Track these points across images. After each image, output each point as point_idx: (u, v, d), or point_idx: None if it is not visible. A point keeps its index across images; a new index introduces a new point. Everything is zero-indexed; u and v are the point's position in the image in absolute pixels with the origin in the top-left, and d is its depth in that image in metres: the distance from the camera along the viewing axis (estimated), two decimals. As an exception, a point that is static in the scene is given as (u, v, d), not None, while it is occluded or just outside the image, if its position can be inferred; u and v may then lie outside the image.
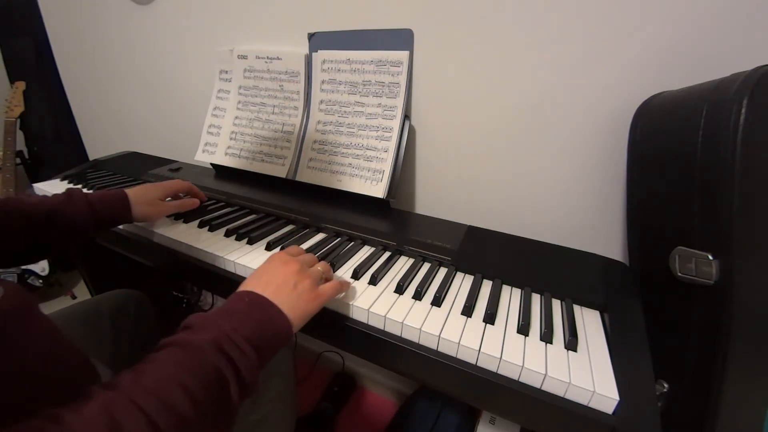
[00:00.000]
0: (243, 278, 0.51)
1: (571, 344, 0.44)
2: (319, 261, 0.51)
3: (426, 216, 0.74)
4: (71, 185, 0.87)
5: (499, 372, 0.42)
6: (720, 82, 0.42)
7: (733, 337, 0.38)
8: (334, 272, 0.54)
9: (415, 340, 0.46)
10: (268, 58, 0.83)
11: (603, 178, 0.63)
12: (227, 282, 0.58)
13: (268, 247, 0.61)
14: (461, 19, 0.64)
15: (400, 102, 0.71)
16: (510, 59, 0.63)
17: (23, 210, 0.51)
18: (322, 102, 0.78)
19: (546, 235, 0.67)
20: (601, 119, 0.60)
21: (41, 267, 1.42)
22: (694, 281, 0.42)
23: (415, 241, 0.63)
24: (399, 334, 0.47)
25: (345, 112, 0.76)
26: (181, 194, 0.72)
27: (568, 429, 0.40)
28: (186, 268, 0.64)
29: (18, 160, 1.52)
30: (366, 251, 0.63)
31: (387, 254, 0.62)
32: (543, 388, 0.40)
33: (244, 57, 0.85)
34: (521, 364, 0.41)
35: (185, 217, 0.70)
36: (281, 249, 0.59)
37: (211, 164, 0.93)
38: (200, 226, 0.68)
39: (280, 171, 0.81)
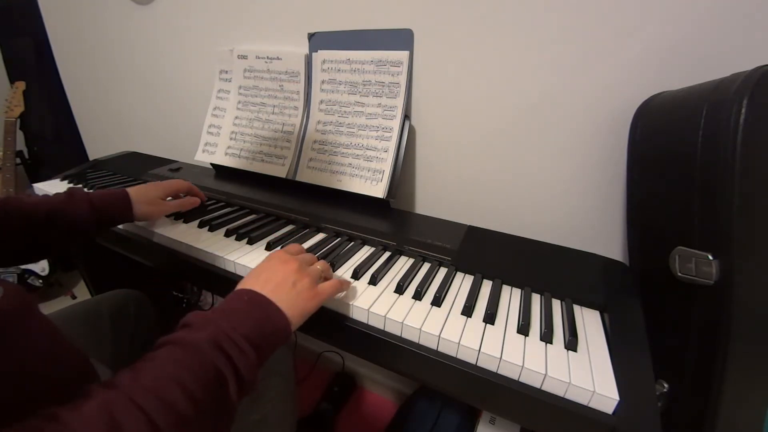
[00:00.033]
0: (243, 278, 0.51)
1: (571, 344, 0.44)
2: (319, 260, 0.51)
3: (426, 216, 0.74)
4: (71, 185, 0.87)
5: (499, 372, 0.42)
6: (720, 82, 0.42)
7: (733, 337, 0.38)
8: (333, 272, 0.54)
9: (415, 340, 0.46)
10: (268, 58, 0.83)
11: (603, 178, 0.63)
12: (227, 282, 0.58)
13: (268, 247, 0.61)
14: (461, 19, 0.64)
15: (400, 102, 0.71)
16: (510, 59, 0.63)
17: (23, 209, 0.51)
18: (322, 102, 0.78)
19: (546, 235, 0.67)
20: (601, 119, 0.60)
21: (41, 267, 1.42)
22: (694, 281, 0.42)
23: (415, 241, 0.63)
24: (399, 334, 0.47)
25: (345, 112, 0.76)
26: (181, 194, 0.72)
27: (568, 429, 0.40)
28: (186, 268, 0.64)
29: (18, 160, 1.52)
30: (366, 251, 0.63)
31: (387, 254, 0.62)
32: (543, 388, 0.40)
33: (244, 57, 0.85)
34: (521, 364, 0.41)
35: (185, 217, 0.70)
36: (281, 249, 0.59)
37: (211, 164, 0.93)
38: (200, 226, 0.68)
39: (280, 171, 0.81)
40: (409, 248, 0.62)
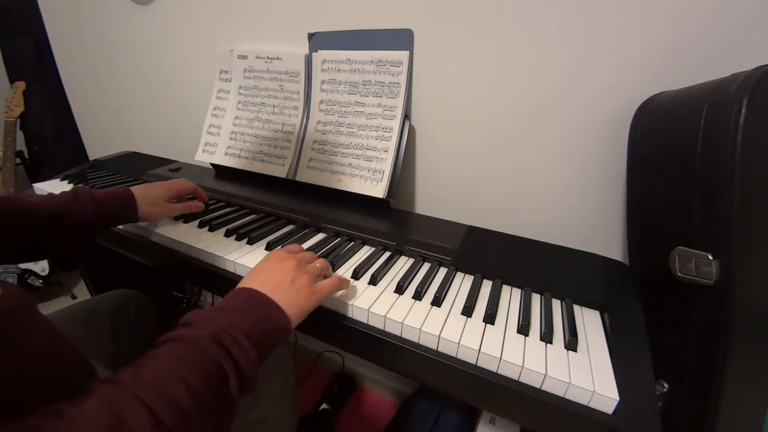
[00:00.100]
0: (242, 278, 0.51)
1: (571, 344, 0.44)
2: (318, 258, 0.51)
3: (426, 216, 0.74)
4: (72, 185, 0.87)
5: (499, 372, 0.42)
6: (720, 82, 0.42)
7: (733, 337, 0.38)
8: (333, 272, 0.54)
9: (415, 340, 0.46)
10: (268, 58, 0.83)
11: (603, 178, 0.63)
12: (227, 282, 0.58)
13: (268, 247, 0.61)
14: (461, 19, 0.64)
15: (400, 102, 0.71)
16: (510, 59, 0.63)
17: (23, 209, 0.51)
18: (322, 102, 0.78)
19: (546, 235, 0.67)
20: (601, 119, 0.60)
21: (41, 267, 1.42)
22: (694, 281, 0.42)
23: (415, 241, 0.63)
24: (399, 334, 0.47)
25: (345, 112, 0.76)
26: (185, 195, 0.72)
27: (568, 429, 0.40)
28: (186, 268, 0.64)
29: (18, 160, 1.52)
30: (366, 251, 0.63)
31: (387, 254, 0.62)
32: (543, 388, 0.40)
33: (244, 57, 0.85)
34: (521, 364, 0.41)
35: (185, 217, 0.70)
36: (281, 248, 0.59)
37: (211, 164, 0.93)
38: (200, 226, 0.68)
39: (280, 171, 0.81)
40: (409, 248, 0.62)
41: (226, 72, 0.90)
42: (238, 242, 0.63)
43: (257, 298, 0.40)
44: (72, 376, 0.38)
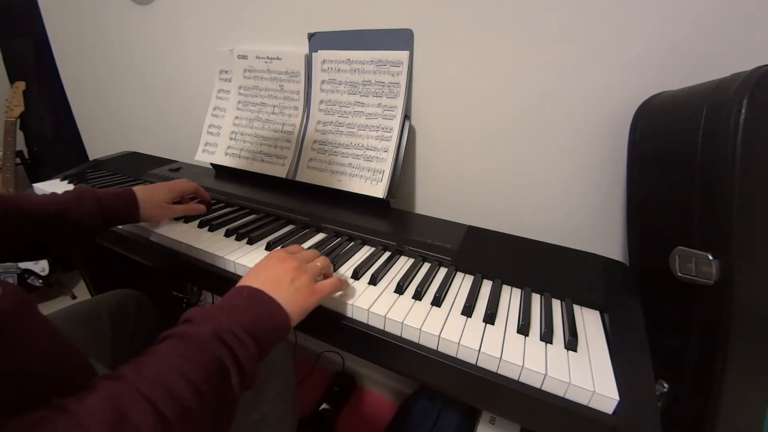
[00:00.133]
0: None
1: (571, 344, 0.44)
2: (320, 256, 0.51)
3: (426, 216, 0.74)
4: (72, 185, 0.87)
5: (499, 372, 0.42)
6: (720, 82, 0.42)
7: (733, 337, 0.38)
8: (334, 272, 0.54)
9: (415, 340, 0.46)
10: (268, 58, 0.83)
11: (603, 178, 0.63)
12: (227, 282, 0.58)
13: (268, 247, 0.61)
14: (461, 19, 0.64)
15: (400, 102, 0.71)
16: (510, 59, 0.63)
17: (23, 209, 0.51)
18: (322, 102, 0.78)
19: (546, 235, 0.67)
20: (601, 119, 0.60)
21: (41, 267, 1.42)
22: (694, 281, 0.42)
23: (415, 241, 0.63)
24: (399, 334, 0.47)
25: (345, 112, 0.76)
26: (188, 195, 0.72)
27: (568, 429, 0.40)
28: (186, 268, 0.64)
29: (18, 160, 1.52)
30: (366, 251, 0.63)
31: (387, 254, 0.62)
32: (543, 388, 0.40)
33: (244, 57, 0.85)
34: (521, 364, 0.41)
35: (186, 217, 0.70)
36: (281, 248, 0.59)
37: (211, 164, 0.93)
38: (200, 226, 0.68)
39: (280, 171, 0.81)
40: (409, 248, 0.62)
41: (226, 72, 0.90)
42: (238, 242, 0.63)
43: (257, 296, 0.40)
44: (72, 376, 0.37)
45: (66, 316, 0.64)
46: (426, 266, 0.59)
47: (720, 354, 0.39)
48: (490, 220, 0.73)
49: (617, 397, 0.38)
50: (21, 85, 1.44)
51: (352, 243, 0.65)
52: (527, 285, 0.55)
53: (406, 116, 0.72)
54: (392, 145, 0.71)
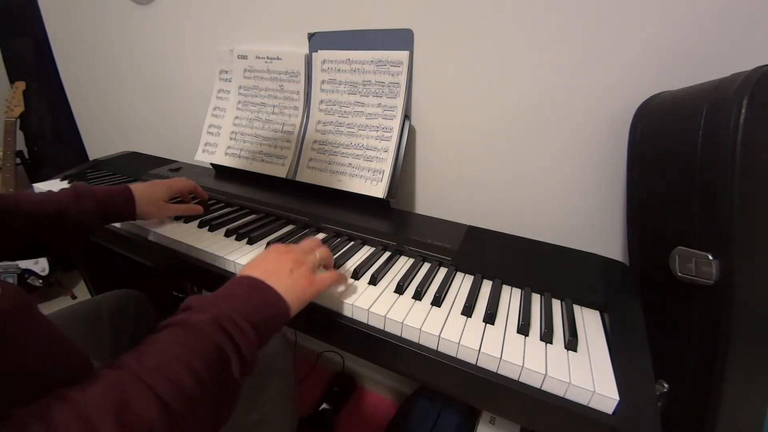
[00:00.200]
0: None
1: (571, 344, 0.44)
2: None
3: (426, 216, 0.74)
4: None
5: (499, 372, 0.42)
6: (720, 82, 0.42)
7: (733, 337, 0.38)
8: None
9: (415, 340, 0.46)
10: (268, 58, 0.83)
11: (603, 178, 0.63)
12: (227, 282, 0.58)
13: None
14: (461, 19, 0.64)
15: (400, 102, 0.71)
16: (510, 59, 0.63)
17: (22, 209, 0.51)
18: (322, 102, 0.78)
19: (546, 235, 0.66)
20: (601, 119, 0.60)
21: (41, 267, 1.42)
22: (694, 281, 0.42)
23: (415, 241, 0.63)
24: (399, 334, 0.47)
25: (345, 112, 0.76)
26: (186, 194, 0.72)
27: (568, 429, 0.40)
28: (186, 268, 0.64)
29: (18, 160, 1.52)
30: (366, 251, 0.63)
31: (387, 254, 0.62)
32: (543, 388, 0.40)
33: (244, 57, 0.85)
34: (521, 364, 0.41)
35: (185, 217, 0.70)
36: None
37: (211, 164, 0.93)
38: (200, 226, 0.68)
39: (280, 171, 0.81)
40: (409, 248, 0.62)
41: (226, 72, 0.90)
42: (238, 242, 0.63)
43: (257, 285, 0.40)
44: (72, 376, 0.37)
45: (66, 316, 0.64)
46: (426, 266, 0.59)
47: (720, 354, 0.39)
48: (490, 220, 0.73)
49: (617, 397, 0.38)
50: (21, 85, 1.44)
51: (352, 243, 0.65)
52: (527, 285, 0.55)
53: (406, 116, 0.72)
54: (392, 145, 0.71)
